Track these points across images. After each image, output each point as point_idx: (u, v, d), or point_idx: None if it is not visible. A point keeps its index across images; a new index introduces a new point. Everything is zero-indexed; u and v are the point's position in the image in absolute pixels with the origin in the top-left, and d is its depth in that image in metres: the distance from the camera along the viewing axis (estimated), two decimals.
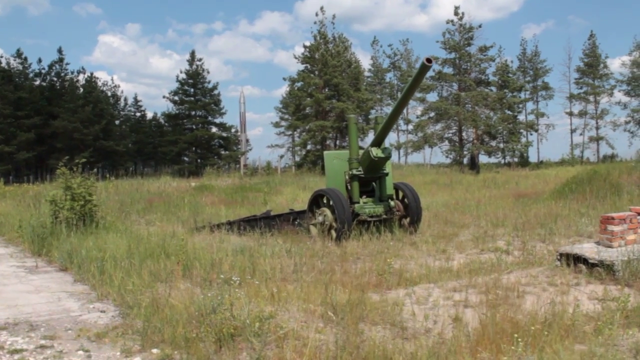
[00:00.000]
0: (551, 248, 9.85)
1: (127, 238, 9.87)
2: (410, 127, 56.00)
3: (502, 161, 51.61)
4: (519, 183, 23.36)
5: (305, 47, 47.35)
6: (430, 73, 56.99)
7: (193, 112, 56.61)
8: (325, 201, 11.04)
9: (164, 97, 78.44)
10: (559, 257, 8.14)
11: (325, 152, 12.00)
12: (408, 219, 11.70)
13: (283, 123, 68.11)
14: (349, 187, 11.30)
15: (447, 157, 46.92)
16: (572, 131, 54.67)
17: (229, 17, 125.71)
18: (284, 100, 70.20)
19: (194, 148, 56.25)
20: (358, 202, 10.99)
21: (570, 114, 54.04)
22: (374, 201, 11.23)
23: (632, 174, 15.67)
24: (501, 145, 48.66)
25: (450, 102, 42.88)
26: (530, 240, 10.51)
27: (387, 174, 11.31)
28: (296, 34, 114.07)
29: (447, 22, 44.89)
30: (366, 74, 58.31)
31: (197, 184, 23.91)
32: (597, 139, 52.22)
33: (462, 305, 6.30)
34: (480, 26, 44.43)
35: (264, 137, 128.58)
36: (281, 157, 63.87)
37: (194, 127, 56.13)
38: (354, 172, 10.92)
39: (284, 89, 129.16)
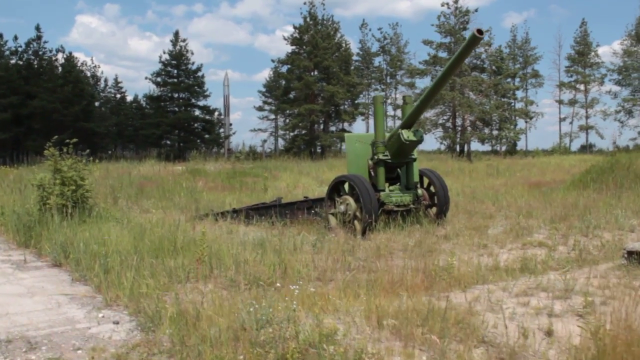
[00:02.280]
0: (597, 243, 8.94)
1: (128, 229, 8.73)
2: (400, 112, 55.10)
3: (495, 149, 51.05)
4: (527, 171, 22.55)
5: (295, 28, 45.97)
6: (424, 57, 55.91)
7: (176, 94, 54.95)
8: (347, 188, 9.98)
9: (146, 78, 76.74)
10: (626, 254, 7.22)
11: (346, 135, 10.91)
12: (435, 209, 10.72)
13: (266, 107, 67.11)
14: (372, 174, 10.26)
15: (441, 143, 46.14)
16: (562, 120, 54.37)
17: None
18: (268, 83, 68.98)
19: (176, 131, 54.67)
20: (383, 190, 9.95)
21: (560, 102, 53.61)
22: (401, 189, 10.20)
23: None
24: (495, 133, 48.00)
25: (445, 87, 41.88)
26: (571, 234, 9.60)
27: (415, 159, 10.29)
28: (278, 17, 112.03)
29: (442, 5, 43.90)
30: (354, 58, 57.12)
31: (189, 168, 22.65)
32: (587, 128, 51.86)
33: (545, 314, 5.34)
34: (476, 10, 43.57)
35: (243, 122, 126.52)
36: (264, 141, 62.82)
37: (176, 109, 54.52)
38: (381, 156, 9.86)
39: (265, 73, 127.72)
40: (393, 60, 55.20)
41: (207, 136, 56.38)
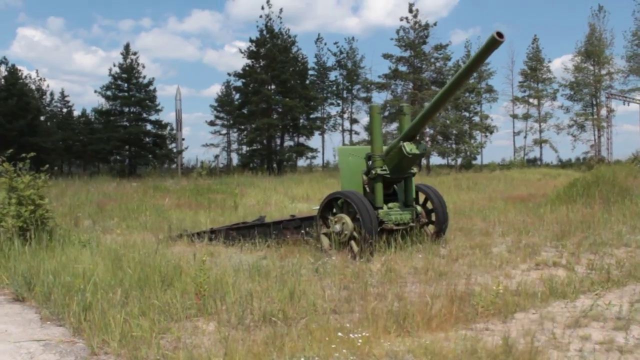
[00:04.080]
0: (610, 261, 8.39)
1: (100, 255, 7.63)
2: (357, 127, 54.79)
3: (450, 163, 51.27)
4: (496, 185, 22.26)
5: (251, 41, 45.06)
6: (384, 71, 55.36)
7: (126, 109, 53.03)
8: (341, 206, 9.13)
9: (95, 91, 73.79)
10: None
11: (339, 147, 10.07)
12: (431, 227, 9.99)
13: (218, 122, 66.03)
14: (368, 189, 9.45)
15: None
16: (515, 134, 55.23)
17: (157, 14, 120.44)
18: (220, 98, 67.92)
19: (126, 146, 52.65)
20: (381, 208, 9.14)
21: (514, 116, 54.46)
22: (400, 206, 9.42)
23: (637, 177, 14.71)
24: (454, 147, 48.14)
25: (406, 100, 41.78)
26: (580, 252, 9.03)
27: (414, 174, 9.54)
28: (227, 33, 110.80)
29: (401, 20, 43.91)
30: (310, 72, 56.60)
31: (149, 185, 21.33)
32: (541, 142, 52.82)
33: (615, 349, 4.63)
34: (435, 24, 43.74)
35: (193, 137, 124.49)
36: (216, 156, 61.46)
37: (127, 123, 52.56)
38: (379, 171, 9.05)
39: (214, 88, 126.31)
40: (350, 75, 54.91)
41: (158, 151, 54.62)
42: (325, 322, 5.18)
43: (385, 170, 9.08)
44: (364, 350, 4.38)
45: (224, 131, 65.89)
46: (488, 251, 9.31)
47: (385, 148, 9.32)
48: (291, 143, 50.18)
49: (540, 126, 53.27)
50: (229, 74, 47.24)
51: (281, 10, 46.46)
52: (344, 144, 53.35)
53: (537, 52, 53.74)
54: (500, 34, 7.24)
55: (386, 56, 45.04)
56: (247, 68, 45.79)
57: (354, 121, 55.54)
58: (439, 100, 8.57)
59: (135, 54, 52.07)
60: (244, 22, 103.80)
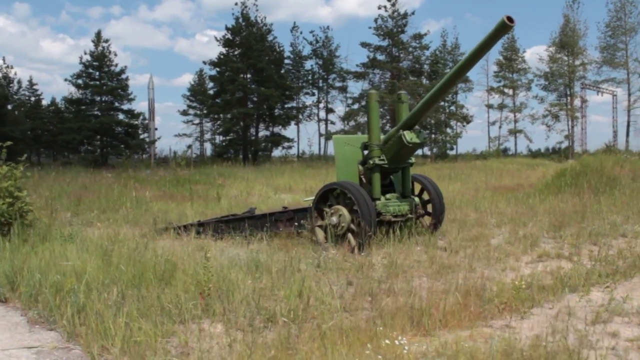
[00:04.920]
0: (611, 252, 8.25)
1: (87, 250, 7.19)
2: (332, 116, 54.42)
3: (425, 153, 51.29)
4: (477, 175, 22.17)
5: (227, 29, 44.28)
6: (359, 60, 54.69)
7: (98, 97, 51.69)
8: (337, 197, 8.80)
9: (66, 79, 71.82)
10: None
11: (334, 136, 9.70)
12: (429, 219, 9.75)
13: (191, 111, 65.17)
14: (364, 180, 9.14)
15: None
16: (491, 124, 55.56)
17: (128, 2, 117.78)
18: (193, 87, 66.95)
19: (98, 136, 51.35)
20: (379, 199, 8.84)
21: (489, 106, 54.76)
22: (398, 197, 9.13)
23: (624, 167, 14.70)
24: (432, 137, 48.19)
25: (384, 90, 41.57)
26: (579, 244, 8.89)
27: (412, 164, 9.26)
28: (198, 22, 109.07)
29: (379, 8, 43.58)
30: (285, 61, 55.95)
31: (125, 175, 20.71)
32: (515, 132, 53.24)
33: None
34: (413, 13, 43.52)
35: (163, 127, 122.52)
36: (189, 146, 60.55)
37: (98, 113, 51.24)
38: (377, 161, 8.73)
39: (185, 78, 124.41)
40: (325, 64, 54.43)
41: (131, 141, 53.43)
42: (340, 321, 4.88)
43: (383, 160, 8.78)
44: (393, 352, 4.08)
45: (197, 121, 65.12)
46: (486, 243, 9.11)
47: (382, 137, 9.00)
48: (266, 133, 49.62)
49: (515, 116, 53.72)
50: (204, 62, 46.50)
51: None
52: (328, 133, 52.94)
53: (512, 42, 54.03)
54: (510, 19, 6.96)
55: (364, 45, 44.80)
56: (222, 56, 44.98)
57: (329, 111, 55.19)
58: (441, 87, 8.28)
59: (107, 41, 50.75)
60: (215, 11, 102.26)
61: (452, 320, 5.18)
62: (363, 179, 9.14)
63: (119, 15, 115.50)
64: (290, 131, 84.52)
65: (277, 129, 50.15)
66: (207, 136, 65.73)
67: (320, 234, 8.90)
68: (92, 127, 48.61)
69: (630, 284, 6.68)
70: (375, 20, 44.27)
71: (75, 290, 5.24)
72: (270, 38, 48.09)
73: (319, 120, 56.35)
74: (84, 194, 14.83)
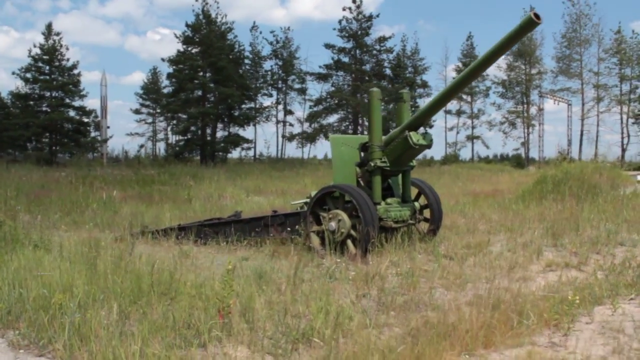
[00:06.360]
0: (617, 261, 8.00)
1: (66, 259, 6.40)
2: (291, 118, 53.73)
3: None
4: (446, 180, 22.04)
5: (187, 26, 43.07)
6: (320, 62, 54.27)
7: (48, 93, 49.48)
8: (335, 201, 8.23)
9: (13, 73, 68.70)
10: None
11: (331, 136, 9.10)
12: (423, 224, 9.31)
13: (144, 110, 63.60)
14: (362, 183, 8.61)
15: None
16: (448, 130, 56.08)
17: None
18: (146, 85, 65.32)
19: (47, 133, 49.12)
20: (379, 203, 8.31)
21: (447, 112, 55.22)
22: (399, 202, 8.63)
23: (603, 174, 14.71)
24: None
25: (347, 92, 41.25)
26: (582, 252, 8.61)
27: (413, 167, 8.78)
28: (151, 19, 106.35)
29: (344, 10, 43.27)
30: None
31: (82, 174, 19.57)
32: (473, 138, 53.92)
33: None
34: (378, 15, 43.35)
35: (112, 126, 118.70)
36: (141, 146, 58.82)
37: (48, 109, 49.03)
38: (379, 163, 8.20)
39: (136, 76, 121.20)
40: (285, 65, 53.73)
41: (82, 139, 51.37)
42: (374, 341, 4.34)
43: (385, 162, 8.26)
44: None
45: (150, 120, 63.41)
46: (487, 251, 8.74)
47: (384, 138, 8.48)
48: (224, 133, 48.55)
49: (472, 122, 54.41)
50: (162, 60, 44.78)
51: None
52: (284, 136, 52.20)
53: (471, 49, 54.72)
54: (537, 15, 6.58)
55: (328, 46, 44.40)
56: (180, 54, 43.73)
57: (288, 112, 54.46)
58: (454, 86, 7.86)
59: (58, 34, 48.68)
60: (169, 9, 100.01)
61: (493, 337, 4.71)
62: (361, 182, 8.61)
63: (67, 9, 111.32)
64: (247, 132, 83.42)
65: (235, 130, 49.18)
66: (161, 136, 64.33)
67: (315, 240, 8.32)
68: (40, 124, 46.46)
69: None
70: (340, 21, 44.20)
71: (64, 307, 4.50)
72: (230, 37, 47.20)
73: (278, 122, 55.57)
74: (43, 194, 13.76)
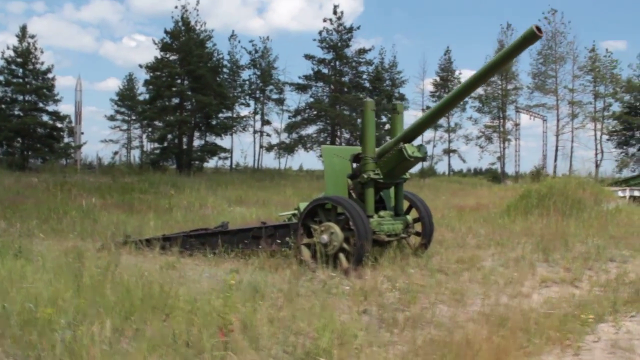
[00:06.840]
0: (610, 277, 7.97)
1: (52, 270, 6.07)
2: (268, 128, 53.40)
3: None
4: (426, 195, 21.98)
5: (166, 32, 42.63)
6: (307, 71, 54.37)
7: (20, 97, 48.41)
8: (327, 213, 8.03)
9: None
10: None
11: (324, 147, 8.90)
12: (417, 239, 9.16)
13: (119, 117, 62.93)
14: (354, 195, 8.43)
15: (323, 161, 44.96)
16: (425, 143, 56.29)
17: None
18: (122, 92, 64.61)
19: (19, 138, 48.01)
20: (372, 216, 8.13)
21: None
22: (392, 215, 8.47)
23: (586, 189, 14.78)
24: None
25: (327, 104, 41.17)
26: (575, 268, 8.56)
27: (406, 180, 8.64)
28: (127, 25, 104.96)
29: (325, 21, 43.31)
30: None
31: (58, 181, 19.04)
32: (449, 152, 54.31)
33: None
34: (359, 27, 43.48)
35: (86, 132, 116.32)
36: (115, 153, 58.03)
37: (20, 113, 47.94)
38: (372, 175, 8.04)
39: (110, 82, 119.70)
40: (263, 75, 53.45)
41: (56, 145, 50.33)
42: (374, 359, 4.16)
43: (378, 174, 8.10)
44: None
45: (125, 127, 62.61)
46: (480, 266, 8.63)
47: (377, 150, 8.33)
48: (201, 142, 48.04)
49: (449, 136, 54.82)
50: (140, 66, 44.13)
51: (198, 1, 44.40)
52: (269, 146, 51.68)
53: (448, 63, 55.27)
54: (539, 29, 6.52)
55: (308, 57, 44.36)
56: (158, 60, 43.20)
57: (266, 122, 54.09)
58: (452, 98, 7.75)
59: (33, 37, 47.76)
60: (146, 16, 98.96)
61: (502, 356, 4.55)
62: (352, 194, 8.43)
63: (42, 11, 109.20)
64: (224, 141, 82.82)
65: (212, 139, 48.69)
66: (135, 143, 63.51)
67: (306, 253, 8.10)
68: (12, 128, 45.41)
69: None
70: (320, 32, 44.28)
71: (53, 322, 4.22)
72: (209, 45, 46.84)
73: (255, 132, 55.16)
74: (18, 200, 13.29)
